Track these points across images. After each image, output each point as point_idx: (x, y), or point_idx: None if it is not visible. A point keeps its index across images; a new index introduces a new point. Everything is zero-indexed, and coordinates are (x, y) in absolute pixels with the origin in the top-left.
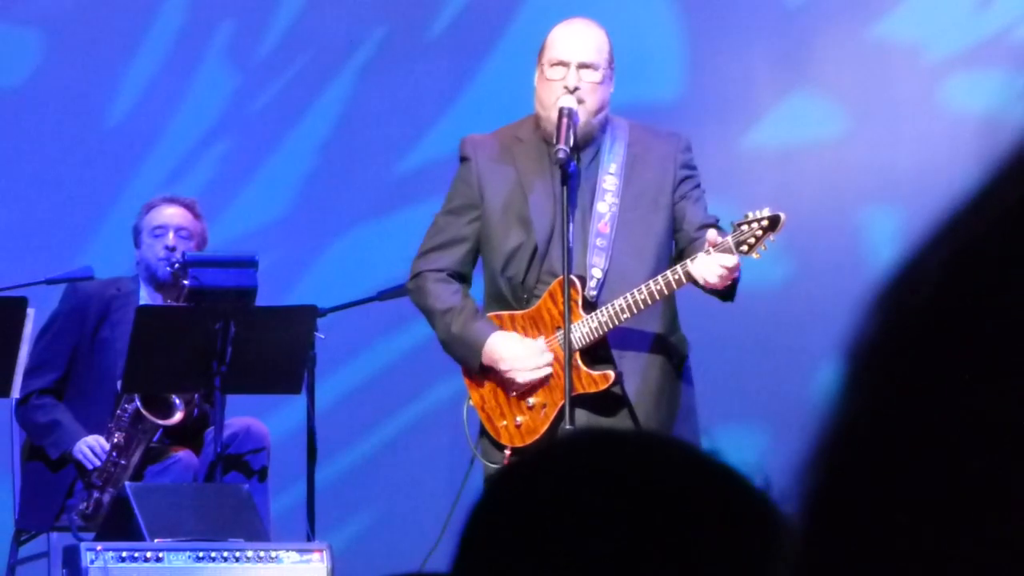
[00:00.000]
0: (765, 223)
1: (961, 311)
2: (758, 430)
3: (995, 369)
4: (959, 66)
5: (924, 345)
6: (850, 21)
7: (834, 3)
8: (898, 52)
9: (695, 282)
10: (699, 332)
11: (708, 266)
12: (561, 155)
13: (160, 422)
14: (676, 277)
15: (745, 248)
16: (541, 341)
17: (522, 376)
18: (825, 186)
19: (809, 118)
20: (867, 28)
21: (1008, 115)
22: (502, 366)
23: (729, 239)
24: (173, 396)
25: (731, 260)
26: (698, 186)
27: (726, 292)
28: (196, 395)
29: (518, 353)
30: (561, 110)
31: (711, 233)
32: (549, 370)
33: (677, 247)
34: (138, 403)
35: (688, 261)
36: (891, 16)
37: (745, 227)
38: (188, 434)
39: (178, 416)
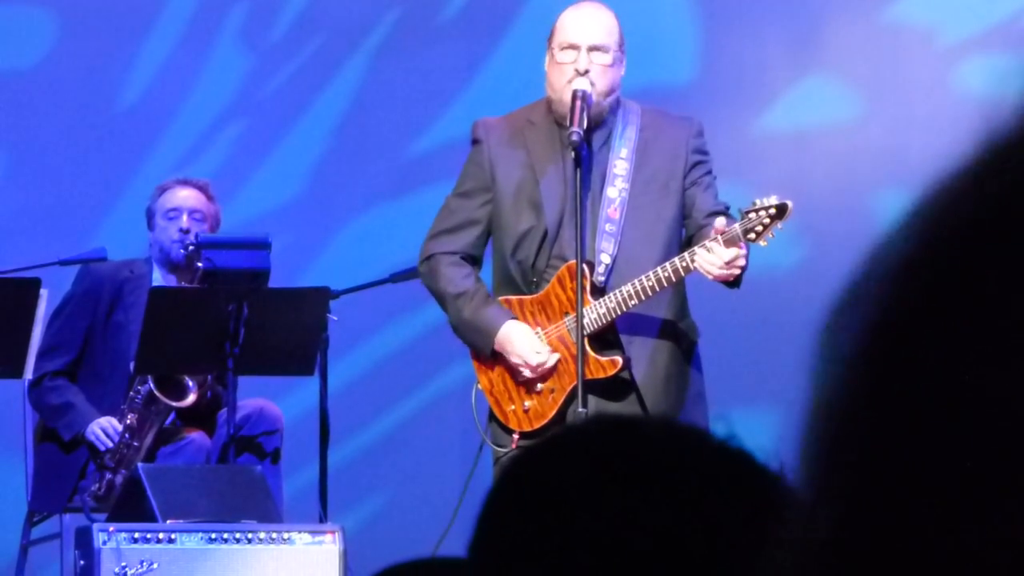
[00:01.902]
0: (773, 211)
1: (931, 300)
2: (771, 414)
3: (967, 356)
4: (973, 49)
5: (898, 332)
6: (864, 4)
7: None
8: (912, 35)
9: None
10: (712, 316)
11: (711, 260)
12: (575, 138)
13: (173, 404)
14: (684, 264)
15: (753, 236)
16: (553, 355)
17: (528, 371)
18: (838, 170)
19: (823, 102)
20: (881, 11)
21: (1004, 99)
22: (512, 359)
23: (737, 227)
24: (186, 378)
25: (731, 254)
26: (709, 172)
27: (732, 280)
28: (209, 377)
29: (528, 347)
30: (575, 92)
31: (719, 220)
32: (551, 364)
33: (686, 234)
34: (151, 385)
35: (695, 249)
36: None
37: (753, 215)
38: (201, 416)
39: (191, 398)
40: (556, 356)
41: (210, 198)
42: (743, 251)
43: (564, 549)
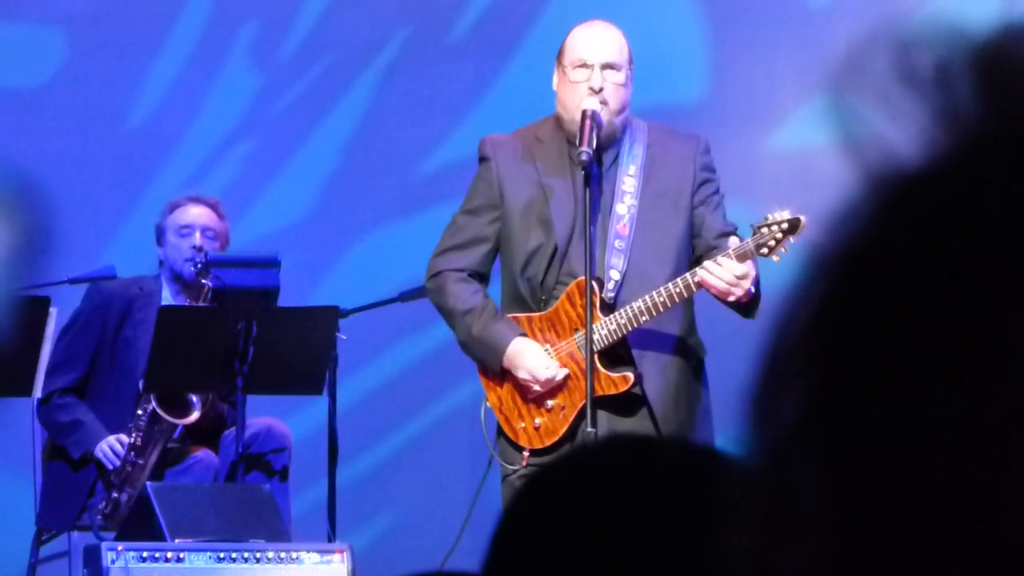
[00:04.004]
0: (785, 226)
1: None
2: None
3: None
4: None
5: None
6: (874, 23)
7: (858, 4)
8: None
9: (708, 289)
10: (718, 336)
11: (720, 273)
12: (584, 157)
13: (176, 421)
14: (696, 280)
15: (765, 251)
16: (561, 371)
17: (538, 387)
18: (849, 189)
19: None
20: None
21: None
22: (521, 374)
23: (749, 242)
24: (190, 395)
25: (741, 269)
26: (717, 191)
27: (747, 308)
28: (212, 394)
29: (538, 363)
30: (584, 112)
31: (733, 240)
32: (561, 378)
33: (695, 253)
34: (154, 404)
35: (705, 263)
36: (916, 18)
37: (765, 230)
38: (205, 434)
39: (195, 415)
40: (565, 371)
41: (221, 216)
42: (753, 270)
43: (578, 569)
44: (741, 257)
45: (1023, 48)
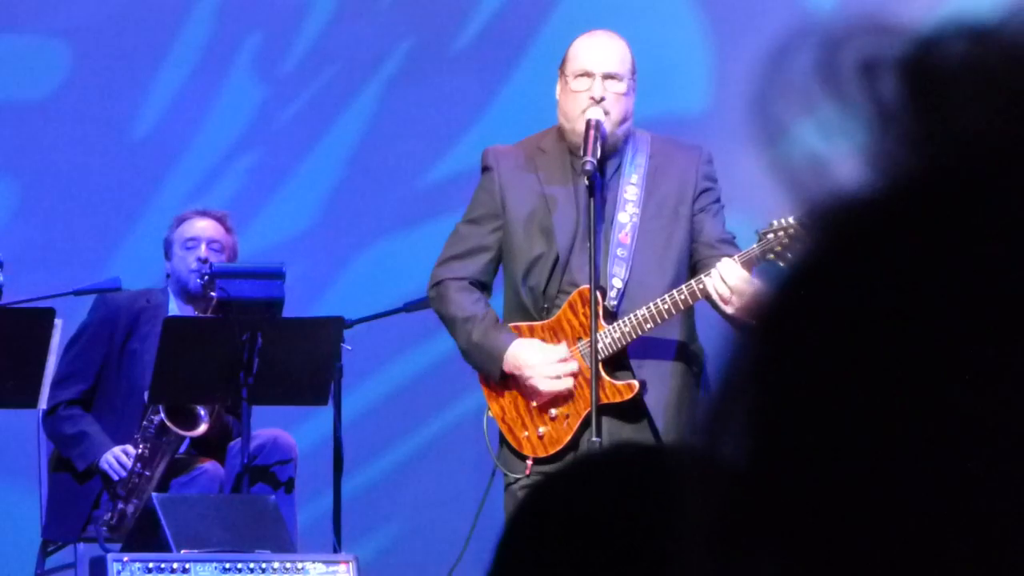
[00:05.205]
0: (791, 230)
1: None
2: None
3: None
4: None
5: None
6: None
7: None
8: None
9: (709, 298)
10: (719, 342)
11: (721, 277)
12: (588, 167)
13: (184, 433)
14: (700, 287)
15: (772, 256)
16: (563, 347)
17: (544, 384)
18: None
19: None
20: None
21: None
22: (525, 373)
23: (755, 248)
24: (198, 407)
25: (744, 275)
26: (718, 200)
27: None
28: (218, 406)
29: (540, 360)
30: (588, 122)
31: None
32: (571, 380)
33: (692, 259)
34: (163, 415)
35: (711, 270)
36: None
37: (771, 235)
38: (211, 446)
39: (203, 427)
40: (570, 353)
41: (228, 229)
42: (748, 278)
43: None
44: (747, 264)
45: (958, 48)
